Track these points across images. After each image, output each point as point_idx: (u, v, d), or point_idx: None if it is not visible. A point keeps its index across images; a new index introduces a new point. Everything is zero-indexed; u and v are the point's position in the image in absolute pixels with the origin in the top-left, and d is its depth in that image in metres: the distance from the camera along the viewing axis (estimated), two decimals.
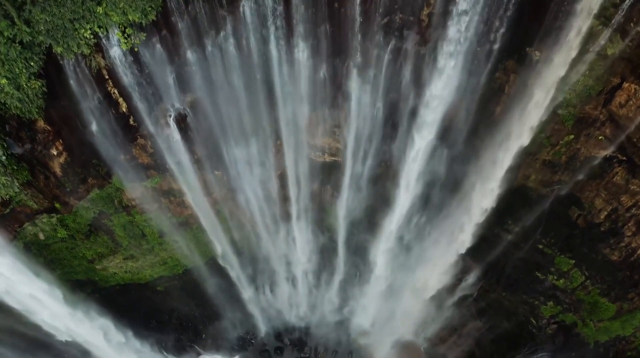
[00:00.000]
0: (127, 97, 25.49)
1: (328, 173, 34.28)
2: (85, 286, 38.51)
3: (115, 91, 25.16)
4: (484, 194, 32.58)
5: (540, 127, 28.21)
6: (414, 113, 27.59)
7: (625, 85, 25.35)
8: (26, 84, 22.75)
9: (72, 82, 23.78)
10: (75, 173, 28.38)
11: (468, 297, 42.31)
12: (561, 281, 34.99)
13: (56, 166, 27.53)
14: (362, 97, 27.16)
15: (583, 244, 33.46)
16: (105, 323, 39.34)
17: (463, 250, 35.22)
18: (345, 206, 35.68)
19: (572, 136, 29.14)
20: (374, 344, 48.42)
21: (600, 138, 28.39)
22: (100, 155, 27.91)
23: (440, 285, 39.70)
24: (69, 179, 28.56)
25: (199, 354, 45.78)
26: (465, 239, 34.07)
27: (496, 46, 24.92)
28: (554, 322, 37.61)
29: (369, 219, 38.01)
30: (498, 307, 40.87)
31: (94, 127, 25.85)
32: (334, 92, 27.45)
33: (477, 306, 42.40)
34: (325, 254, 41.78)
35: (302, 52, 24.78)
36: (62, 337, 37.27)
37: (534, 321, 38.69)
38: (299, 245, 39.31)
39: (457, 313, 43.95)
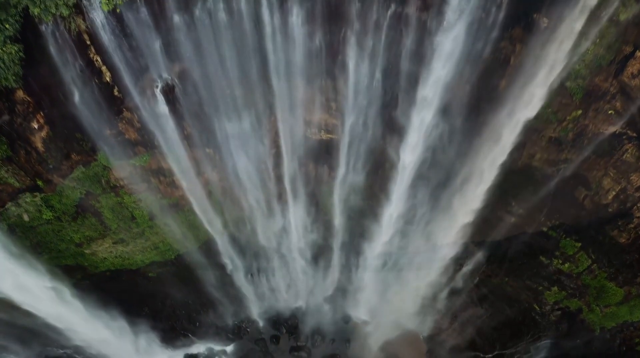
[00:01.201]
0: (110, 66, 23.99)
1: (325, 151, 33.01)
2: (74, 271, 37.25)
3: (98, 59, 23.71)
4: (486, 173, 31.62)
5: (546, 101, 27.05)
6: (414, 85, 26.30)
7: (638, 54, 24.09)
8: (1, 49, 21.32)
9: (51, 48, 22.33)
10: (58, 148, 26.91)
11: (469, 283, 41.35)
12: (566, 265, 33.81)
13: (37, 141, 26.12)
14: (360, 68, 25.79)
15: (590, 226, 32.34)
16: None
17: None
18: (342, 187, 34.49)
19: (580, 111, 27.84)
20: (372, 333, 47.48)
21: (610, 112, 27.09)
22: (84, 129, 26.40)
23: (440, 271, 38.84)
24: (52, 155, 27.10)
25: (193, 342, 44.75)
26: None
27: (502, 12, 23.51)
28: (558, 308, 36.47)
29: (368, 203, 36.83)
30: (500, 293, 39.76)
31: (76, 98, 24.37)
32: (330, 62, 26.02)
33: (478, 293, 41.33)
34: (322, 239, 40.59)
35: (296, 17, 23.36)
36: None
37: (537, 307, 37.57)
38: (294, 229, 38.08)
39: (457, 300, 42.98)
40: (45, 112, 25.16)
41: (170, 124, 27.13)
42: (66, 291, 35.57)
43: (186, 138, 29.16)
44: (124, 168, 30.55)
